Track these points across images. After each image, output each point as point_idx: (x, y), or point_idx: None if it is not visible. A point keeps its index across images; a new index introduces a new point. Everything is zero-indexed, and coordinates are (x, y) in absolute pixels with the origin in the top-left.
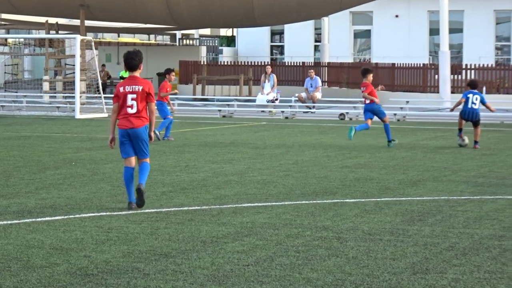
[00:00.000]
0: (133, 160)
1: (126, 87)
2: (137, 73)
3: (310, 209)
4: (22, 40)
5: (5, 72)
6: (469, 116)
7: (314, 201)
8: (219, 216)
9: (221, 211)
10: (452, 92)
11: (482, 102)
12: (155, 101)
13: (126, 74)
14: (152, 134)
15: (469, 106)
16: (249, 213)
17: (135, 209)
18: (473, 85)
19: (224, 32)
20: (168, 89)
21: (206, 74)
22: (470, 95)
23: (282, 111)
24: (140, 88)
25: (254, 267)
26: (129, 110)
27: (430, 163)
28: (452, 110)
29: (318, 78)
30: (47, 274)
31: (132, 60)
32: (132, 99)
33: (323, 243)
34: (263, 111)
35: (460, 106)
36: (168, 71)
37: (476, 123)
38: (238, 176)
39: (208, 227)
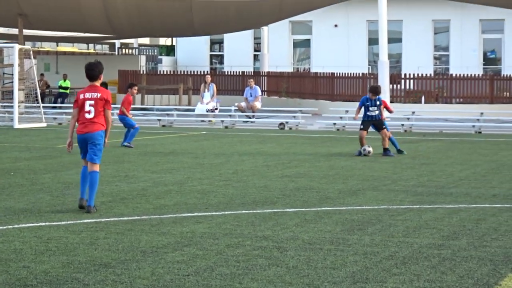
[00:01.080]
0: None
1: (86, 94)
2: (97, 83)
3: (250, 218)
4: None
5: None
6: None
7: (254, 211)
8: (159, 226)
9: (161, 221)
10: (391, 102)
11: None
12: (118, 116)
13: (64, 84)
14: (107, 140)
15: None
16: (189, 223)
17: (85, 205)
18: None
19: (164, 41)
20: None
21: (146, 83)
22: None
23: (222, 121)
24: (99, 95)
25: (194, 277)
26: (87, 116)
27: (369, 172)
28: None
29: (257, 87)
30: None
31: (92, 71)
32: (90, 105)
33: (263, 252)
34: (202, 121)
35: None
36: (131, 85)
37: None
38: (178, 186)
39: (148, 237)
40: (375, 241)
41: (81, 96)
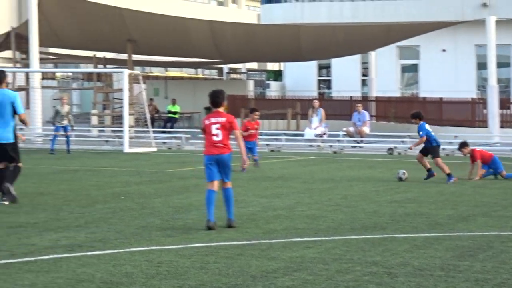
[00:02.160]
0: (215, 184)
1: (211, 119)
2: (220, 109)
3: (360, 244)
4: (70, 74)
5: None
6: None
7: (363, 236)
8: (269, 251)
9: (271, 245)
10: (501, 127)
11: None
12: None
13: (173, 108)
14: (245, 157)
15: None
16: (299, 248)
17: (212, 227)
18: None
19: (272, 66)
20: (249, 128)
21: None
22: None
23: (330, 146)
24: (224, 119)
25: None
26: (215, 138)
27: (479, 198)
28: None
29: (365, 112)
30: None
31: (217, 98)
32: (217, 129)
33: (373, 278)
34: (311, 146)
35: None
36: (252, 110)
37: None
38: (287, 211)
39: (257, 262)
40: (486, 268)
41: (207, 122)
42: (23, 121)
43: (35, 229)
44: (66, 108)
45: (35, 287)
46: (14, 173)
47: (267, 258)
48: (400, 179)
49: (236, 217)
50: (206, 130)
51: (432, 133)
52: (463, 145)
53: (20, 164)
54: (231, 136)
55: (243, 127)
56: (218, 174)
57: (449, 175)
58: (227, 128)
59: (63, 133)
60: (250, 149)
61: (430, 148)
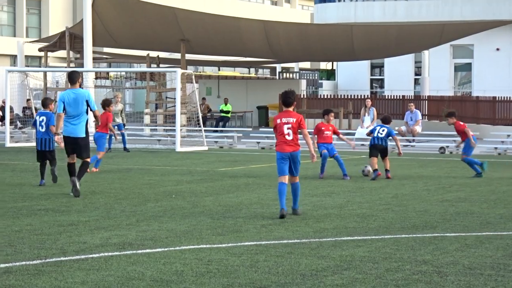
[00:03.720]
0: (286, 177)
1: (282, 119)
2: (290, 108)
3: (410, 243)
4: (123, 73)
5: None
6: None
7: (414, 235)
8: (319, 249)
9: (321, 244)
10: None
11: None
12: None
13: (225, 108)
14: (313, 152)
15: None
16: (349, 247)
17: (285, 215)
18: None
19: (324, 65)
20: (323, 129)
21: (306, 107)
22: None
23: None
24: (294, 120)
25: None
26: (287, 137)
27: None
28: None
29: (418, 111)
30: None
31: (288, 98)
32: (288, 128)
33: (423, 277)
34: (362, 145)
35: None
36: (327, 111)
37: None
38: (337, 210)
39: (307, 260)
40: None
41: (278, 121)
42: (96, 117)
43: (86, 227)
44: (119, 107)
45: (85, 285)
46: (83, 168)
47: (317, 257)
48: (367, 174)
49: (286, 216)
50: (278, 129)
51: None
52: (451, 114)
53: (88, 160)
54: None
55: (315, 130)
56: (288, 169)
57: None
58: (297, 127)
59: (117, 132)
60: (328, 150)
61: None
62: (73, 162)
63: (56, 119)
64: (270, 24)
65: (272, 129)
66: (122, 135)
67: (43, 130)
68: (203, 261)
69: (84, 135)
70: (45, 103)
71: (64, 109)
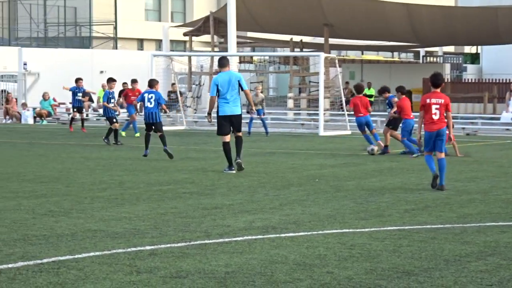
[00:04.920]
0: (431, 153)
1: (432, 99)
2: (438, 89)
3: None
4: (267, 58)
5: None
6: None
7: None
8: (462, 235)
9: (464, 229)
10: None
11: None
12: None
13: (369, 92)
14: (452, 135)
15: None
16: (493, 233)
17: (436, 177)
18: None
19: (469, 49)
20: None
21: (450, 91)
22: None
23: None
24: (442, 101)
25: (497, 287)
26: (434, 117)
27: None
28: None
29: None
30: None
31: (438, 80)
32: (436, 109)
33: None
34: (507, 129)
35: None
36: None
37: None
38: (481, 195)
39: (451, 246)
40: None
41: (427, 101)
42: (247, 96)
43: (230, 210)
44: (259, 98)
45: (229, 267)
46: (241, 144)
47: (461, 242)
48: (372, 152)
49: (430, 201)
50: (426, 108)
51: None
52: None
53: (240, 134)
54: None
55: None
56: (434, 146)
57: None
58: (444, 108)
59: (256, 116)
60: None
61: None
62: (228, 141)
63: (210, 101)
64: (413, 7)
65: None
66: (262, 120)
67: (152, 105)
68: (346, 245)
69: (240, 113)
70: (152, 83)
71: (217, 91)
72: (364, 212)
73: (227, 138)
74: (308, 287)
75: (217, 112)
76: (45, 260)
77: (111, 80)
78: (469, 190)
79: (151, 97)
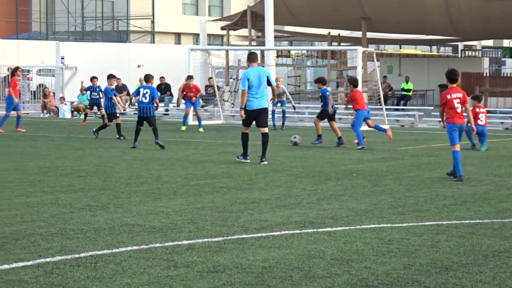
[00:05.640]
0: (458, 146)
1: (452, 94)
2: (455, 85)
3: None
4: (304, 52)
5: (288, 84)
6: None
7: None
8: (501, 230)
9: (503, 224)
10: None
11: None
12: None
13: (407, 86)
14: (473, 126)
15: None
16: None
17: (463, 180)
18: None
19: (508, 43)
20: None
21: (489, 85)
22: None
23: None
24: (461, 95)
25: None
26: (457, 110)
27: None
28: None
29: None
30: (328, 284)
31: (455, 76)
32: (457, 103)
33: None
34: None
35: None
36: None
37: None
38: None
39: (489, 241)
40: None
41: (448, 97)
42: (274, 91)
43: (267, 205)
44: (280, 90)
45: (266, 262)
46: (267, 143)
47: (500, 238)
48: (296, 143)
49: (468, 196)
50: (448, 104)
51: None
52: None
53: (266, 130)
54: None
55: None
56: (459, 139)
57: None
58: (463, 102)
59: (279, 109)
60: None
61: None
62: (247, 132)
63: (242, 95)
64: (452, 1)
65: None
66: (284, 112)
67: (146, 100)
68: (384, 240)
69: (266, 106)
70: (147, 78)
71: (248, 85)
72: (402, 207)
73: (247, 129)
74: (345, 282)
75: (244, 105)
76: (82, 254)
77: (111, 77)
78: (508, 185)
79: (147, 92)
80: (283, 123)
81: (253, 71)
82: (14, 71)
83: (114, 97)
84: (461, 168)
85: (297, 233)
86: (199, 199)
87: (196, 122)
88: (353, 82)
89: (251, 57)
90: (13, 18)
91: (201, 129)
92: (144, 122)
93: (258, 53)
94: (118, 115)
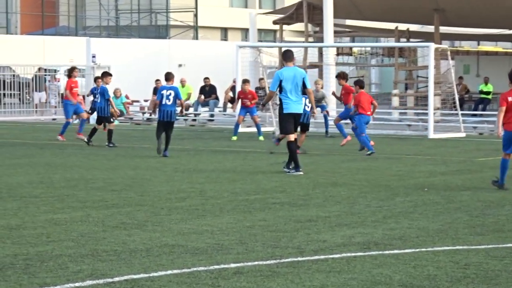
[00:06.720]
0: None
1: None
2: None
3: None
4: (368, 49)
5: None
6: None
7: None
8: None
9: None
10: None
11: None
12: None
13: (486, 88)
14: None
15: None
16: None
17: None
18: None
19: None
20: None
21: None
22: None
23: None
24: None
25: None
26: None
27: None
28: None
29: None
30: None
31: None
32: None
33: None
34: None
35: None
36: None
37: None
38: None
39: None
40: None
41: (510, 99)
42: (310, 96)
43: (326, 223)
44: (320, 94)
45: None
46: (294, 150)
47: None
48: (278, 140)
49: None
50: (508, 108)
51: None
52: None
53: (292, 138)
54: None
55: None
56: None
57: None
58: None
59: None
60: None
61: None
62: (294, 140)
63: (268, 95)
64: None
65: None
66: (325, 116)
67: (170, 103)
68: (459, 264)
69: (302, 112)
70: (168, 77)
71: (279, 86)
72: (480, 226)
73: (293, 136)
74: None
75: (281, 109)
76: (116, 279)
77: (107, 74)
78: None
79: (170, 93)
80: (326, 131)
81: (288, 71)
82: (71, 72)
83: (110, 99)
84: (505, 177)
85: (360, 256)
86: (249, 216)
87: (246, 130)
88: (360, 83)
89: (287, 55)
90: (38, 12)
91: (261, 137)
92: (166, 127)
93: (315, 51)
94: (112, 119)
